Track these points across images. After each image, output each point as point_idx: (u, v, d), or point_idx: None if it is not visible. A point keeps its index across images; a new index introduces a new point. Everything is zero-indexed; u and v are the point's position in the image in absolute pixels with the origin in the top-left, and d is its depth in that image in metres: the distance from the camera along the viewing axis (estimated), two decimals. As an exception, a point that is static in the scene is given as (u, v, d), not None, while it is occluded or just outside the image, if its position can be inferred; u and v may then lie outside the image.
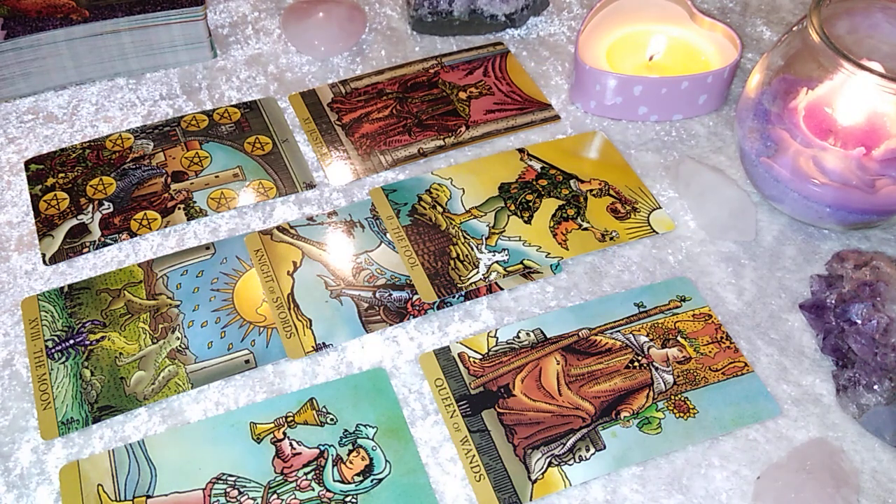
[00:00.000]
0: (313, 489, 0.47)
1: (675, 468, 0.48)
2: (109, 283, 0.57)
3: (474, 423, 0.50)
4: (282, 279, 0.57)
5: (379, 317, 0.55)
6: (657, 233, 0.60)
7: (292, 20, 0.72)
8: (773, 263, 0.58)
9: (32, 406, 0.51)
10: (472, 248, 0.58)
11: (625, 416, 0.50)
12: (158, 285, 0.56)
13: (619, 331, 0.54)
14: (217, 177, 0.63)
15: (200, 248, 0.59)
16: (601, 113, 0.67)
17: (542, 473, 0.48)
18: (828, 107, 0.55)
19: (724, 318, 0.55)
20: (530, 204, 0.61)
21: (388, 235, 0.59)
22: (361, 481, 0.48)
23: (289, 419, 0.50)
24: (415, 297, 0.56)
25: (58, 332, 0.54)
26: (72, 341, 0.53)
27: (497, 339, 0.54)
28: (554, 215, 0.60)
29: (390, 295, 0.56)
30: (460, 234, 0.59)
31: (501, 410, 0.50)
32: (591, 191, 0.62)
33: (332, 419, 0.50)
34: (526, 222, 0.60)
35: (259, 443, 0.49)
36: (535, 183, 0.62)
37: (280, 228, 0.60)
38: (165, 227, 0.60)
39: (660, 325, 0.54)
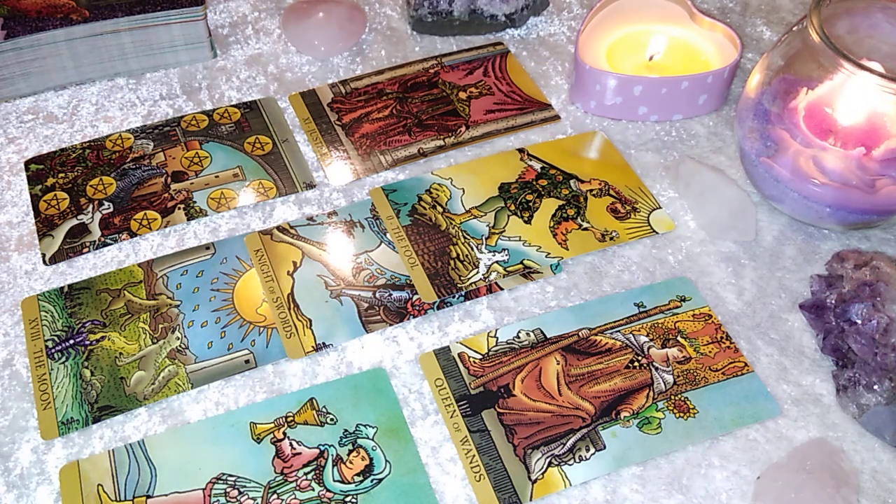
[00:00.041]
0: (313, 489, 0.47)
1: (675, 468, 0.48)
2: (109, 283, 0.57)
3: (474, 423, 0.50)
4: (282, 279, 0.57)
5: (379, 317, 0.55)
6: (657, 233, 0.60)
7: (292, 20, 0.72)
8: (773, 263, 0.58)
9: (32, 406, 0.51)
10: (472, 248, 0.58)
11: (625, 416, 0.50)
12: (158, 285, 0.56)
13: (619, 331, 0.54)
14: (217, 177, 0.63)
15: (200, 248, 0.59)
16: (601, 113, 0.67)
17: (542, 473, 0.48)
18: (828, 107, 0.55)
19: (724, 318, 0.55)
20: (530, 204, 0.61)
21: (388, 235, 0.59)
22: (361, 481, 0.48)
23: (289, 419, 0.50)
24: (415, 297, 0.56)
25: (58, 332, 0.54)
26: (72, 341, 0.53)
27: (497, 339, 0.54)
28: (554, 215, 0.60)
29: (390, 295, 0.56)
30: (460, 234, 0.59)
31: (501, 410, 0.50)
32: (591, 191, 0.62)
33: (332, 419, 0.50)
34: (526, 222, 0.60)
35: (259, 443, 0.49)
36: (535, 183, 0.62)
37: (280, 228, 0.60)
38: (165, 227, 0.60)
39: (660, 325, 0.54)
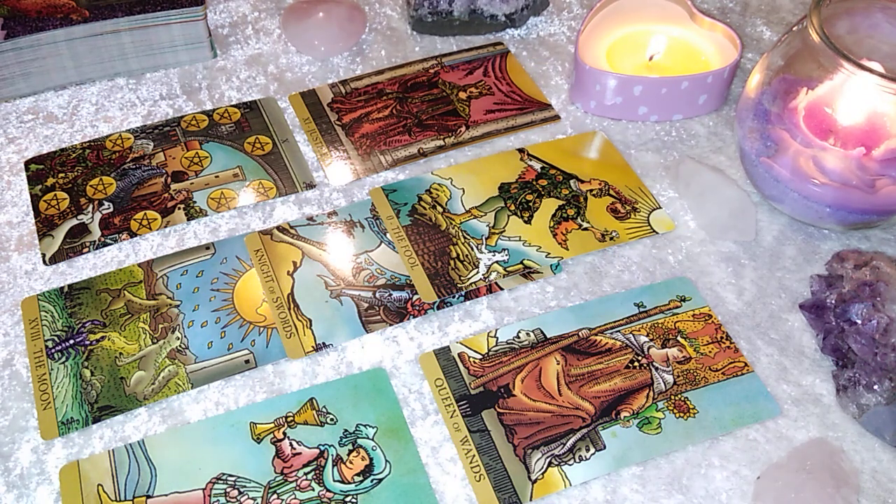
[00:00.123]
0: (313, 489, 0.47)
1: (675, 468, 0.48)
2: (109, 283, 0.57)
3: (474, 423, 0.50)
4: (282, 279, 0.57)
5: (379, 317, 0.55)
6: (657, 233, 0.60)
7: (292, 20, 0.72)
8: (773, 263, 0.58)
9: (32, 406, 0.51)
10: (472, 248, 0.58)
11: (625, 416, 0.50)
12: (158, 285, 0.56)
13: (619, 331, 0.54)
14: (217, 177, 0.63)
15: (200, 248, 0.59)
16: (601, 113, 0.67)
17: (542, 473, 0.48)
18: (828, 107, 0.55)
19: (724, 318, 0.55)
20: (530, 204, 0.61)
21: (388, 235, 0.59)
22: (361, 481, 0.48)
23: (289, 419, 0.50)
24: (415, 297, 0.56)
25: (58, 332, 0.54)
26: (72, 341, 0.53)
27: (497, 339, 0.54)
28: (554, 215, 0.60)
29: (390, 295, 0.56)
30: (460, 234, 0.59)
31: (501, 410, 0.50)
32: (591, 191, 0.62)
33: (332, 419, 0.50)
34: (526, 222, 0.60)
35: (259, 443, 0.49)
36: (535, 183, 0.62)
37: (280, 228, 0.60)
38: (165, 227, 0.60)
39: (660, 325, 0.54)
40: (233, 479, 0.48)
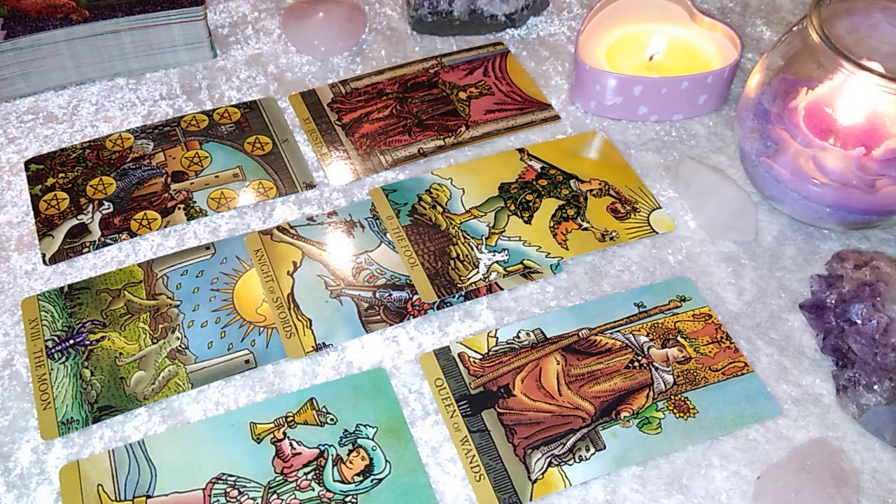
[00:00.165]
0: (313, 489, 0.47)
1: (675, 468, 0.48)
2: (109, 283, 0.57)
3: (474, 423, 0.50)
4: (282, 279, 0.57)
5: (379, 317, 0.55)
6: (657, 233, 0.60)
7: (292, 20, 0.72)
8: (773, 263, 0.58)
9: (32, 406, 0.51)
10: (472, 248, 0.58)
11: (625, 416, 0.50)
12: (158, 285, 0.56)
13: (619, 331, 0.54)
14: (217, 177, 0.63)
15: (200, 248, 0.59)
16: (601, 113, 0.67)
17: (542, 473, 0.48)
18: (828, 107, 0.55)
19: (724, 318, 0.55)
20: (530, 204, 0.61)
21: (388, 235, 0.59)
22: (361, 481, 0.48)
23: (289, 419, 0.50)
24: (415, 297, 0.56)
25: (58, 332, 0.54)
26: (72, 341, 0.53)
27: (497, 339, 0.54)
28: (554, 215, 0.60)
29: (390, 295, 0.56)
30: (460, 234, 0.59)
31: (501, 410, 0.50)
32: (591, 191, 0.62)
33: (332, 419, 0.50)
34: (526, 222, 0.60)
35: (259, 443, 0.49)
36: (535, 183, 0.62)
37: (280, 228, 0.60)
38: (165, 227, 0.60)
39: (660, 325, 0.54)
40: (233, 479, 0.48)
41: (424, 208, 0.61)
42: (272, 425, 0.50)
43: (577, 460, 0.48)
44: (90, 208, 0.61)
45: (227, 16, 0.77)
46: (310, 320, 0.54)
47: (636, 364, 0.52)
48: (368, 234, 0.59)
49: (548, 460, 0.48)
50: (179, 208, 0.61)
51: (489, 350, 0.53)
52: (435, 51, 0.73)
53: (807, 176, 0.56)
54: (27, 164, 0.64)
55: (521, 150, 0.65)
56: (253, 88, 0.70)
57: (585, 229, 0.59)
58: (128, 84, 0.70)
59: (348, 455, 0.49)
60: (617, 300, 0.56)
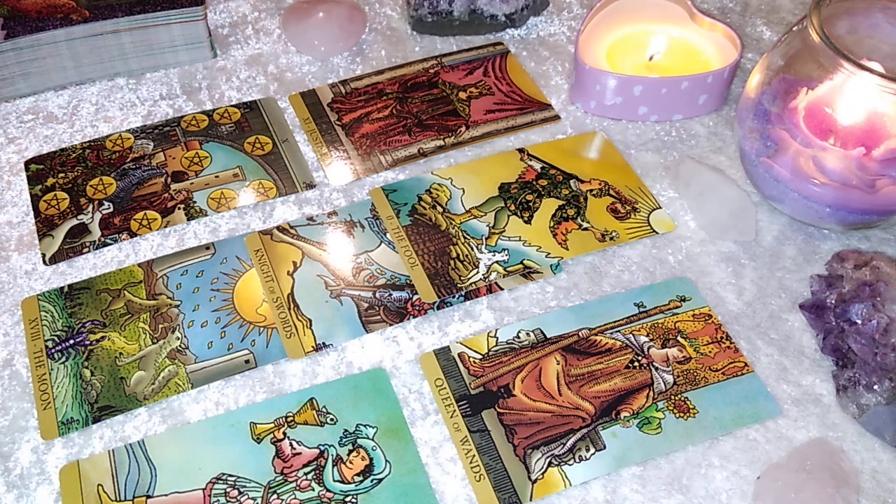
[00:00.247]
0: (313, 489, 0.47)
1: (675, 468, 0.48)
2: (109, 283, 0.57)
3: (474, 423, 0.50)
4: (282, 279, 0.57)
5: (379, 317, 0.55)
6: (657, 233, 0.60)
7: (292, 20, 0.72)
8: (773, 263, 0.58)
9: (32, 406, 0.51)
10: (472, 248, 0.58)
11: (625, 416, 0.50)
12: (158, 285, 0.56)
13: (619, 331, 0.54)
14: (217, 177, 0.63)
15: (200, 248, 0.59)
16: (601, 113, 0.67)
17: (542, 473, 0.48)
18: (828, 107, 0.55)
19: (724, 318, 0.55)
20: (530, 204, 0.61)
21: (388, 235, 0.59)
22: (361, 481, 0.48)
23: (289, 419, 0.50)
24: (415, 297, 0.56)
25: (58, 332, 0.54)
26: (72, 341, 0.53)
27: (497, 339, 0.54)
28: (554, 215, 0.60)
29: (390, 295, 0.56)
30: (460, 234, 0.59)
31: (501, 410, 0.50)
32: (591, 191, 0.62)
33: (332, 419, 0.50)
34: (526, 222, 0.60)
35: (259, 443, 0.49)
36: (535, 183, 0.62)
37: (280, 228, 0.60)
38: (165, 227, 0.60)
39: (660, 325, 0.54)
40: (233, 479, 0.48)
41: (424, 208, 0.61)
42: (272, 425, 0.50)
43: (577, 460, 0.48)
44: (90, 208, 0.61)
45: (227, 16, 0.77)
46: (310, 320, 0.54)
47: (636, 364, 0.52)
48: (368, 234, 0.59)
49: (548, 460, 0.48)
50: (179, 208, 0.61)
51: (489, 350, 0.53)
52: (435, 51, 0.73)
53: (807, 176, 0.56)
54: (27, 164, 0.64)
55: (521, 150, 0.65)
56: (253, 88, 0.70)
57: (585, 229, 0.59)
58: (128, 84, 0.70)
59: (348, 455, 0.49)
60: (617, 300, 0.56)
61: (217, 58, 0.73)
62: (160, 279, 0.57)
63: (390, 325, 0.54)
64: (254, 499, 0.47)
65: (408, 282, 0.56)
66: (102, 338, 0.54)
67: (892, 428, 0.49)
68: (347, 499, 0.47)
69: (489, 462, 0.48)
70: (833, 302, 0.53)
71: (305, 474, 0.48)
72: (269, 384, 0.52)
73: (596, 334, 0.54)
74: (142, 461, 0.48)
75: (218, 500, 0.47)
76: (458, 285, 0.56)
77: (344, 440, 0.49)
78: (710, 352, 0.53)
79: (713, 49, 0.69)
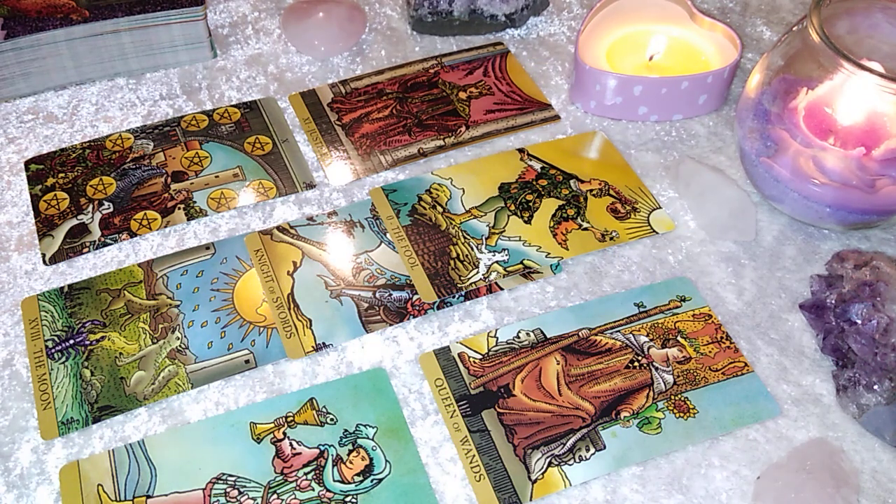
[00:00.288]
0: (313, 489, 0.47)
1: (675, 468, 0.48)
2: (109, 283, 0.57)
3: (474, 423, 0.50)
4: (282, 279, 0.57)
5: (379, 317, 0.55)
6: (657, 233, 0.60)
7: (292, 20, 0.72)
8: (773, 263, 0.58)
9: (32, 406, 0.51)
10: (472, 248, 0.58)
11: (625, 416, 0.50)
12: (158, 285, 0.56)
13: (619, 331, 0.54)
14: (217, 177, 0.63)
15: (200, 248, 0.59)
16: (601, 113, 0.67)
17: (542, 473, 0.48)
18: (828, 107, 0.55)
19: (724, 318, 0.55)
20: (530, 204, 0.61)
21: (388, 235, 0.59)
22: (361, 481, 0.48)
23: (289, 419, 0.50)
24: (415, 297, 0.56)
25: (58, 332, 0.54)
26: (72, 341, 0.53)
27: (497, 339, 0.54)
28: (554, 215, 0.60)
29: (390, 295, 0.56)
30: (460, 234, 0.59)
31: (501, 410, 0.50)
32: (591, 191, 0.62)
33: (332, 419, 0.50)
34: (526, 222, 0.60)
35: (259, 443, 0.49)
36: (535, 183, 0.62)
37: (280, 228, 0.60)
38: (165, 227, 0.60)
39: (660, 325, 0.54)
40: (233, 479, 0.48)
41: (424, 208, 0.61)
42: (272, 425, 0.50)
43: (577, 460, 0.48)
44: (90, 208, 0.61)
45: (227, 16, 0.77)
46: (310, 320, 0.54)
47: (636, 364, 0.52)
48: (368, 234, 0.59)
49: (548, 460, 0.48)
50: (179, 208, 0.61)
51: (489, 350, 0.53)
52: (435, 51, 0.73)
53: (807, 176, 0.56)
54: (27, 164, 0.64)
55: (521, 150, 0.65)
56: (253, 88, 0.70)
57: (585, 229, 0.59)
58: (128, 84, 0.70)
59: (348, 455, 0.49)
60: (617, 300, 0.56)
61: (217, 58, 0.73)
62: (160, 279, 0.57)
63: (390, 325, 0.54)
64: (254, 499, 0.47)
65: (408, 282, 0.56)
66: (102, 338, 0.54)
67: (892, 428, 0.49)
68: (347, 499, 0.47)
69: (489, 462, 0.48)
70: (833, 302, 0.53)
71: (305, 474, 0.48)
72: (269, 384, 0.52)
73: (596, 334, 0.54)
74: (142, 461, 0.48)
75: (218, 500, 0.47)
76: (458, 285, 0.56)
77: (344, 440, 0.49)
78: (710, 352, 0.53)
79: (713, 49, 0.69)
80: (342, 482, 0.48)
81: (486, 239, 0.59)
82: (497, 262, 0.57)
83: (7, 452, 0.49)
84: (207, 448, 0.49)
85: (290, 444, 0.49)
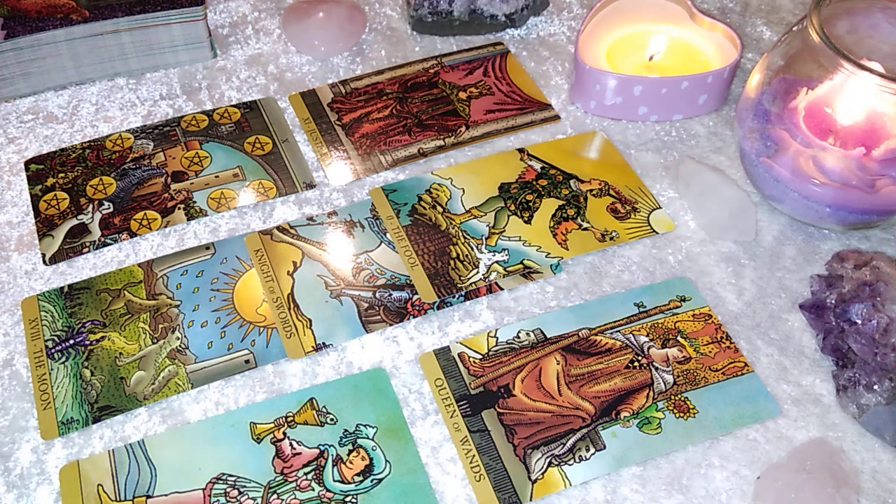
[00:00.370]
0: (313, 489, 0.47)
1: (675, 468, 0.48)
2: (109, 283, 0.57)
3: (474, 423, 0.50)
4: (282, 279, 0.57)
5: (379, 317, 0.55)
6: (657, 233, 0.60)
7: (292, 20, 0.72)
8: (773, 263, 0.58)
9: (32, 406, 0.51)
10: (472, 248, 0.58)
11: (625, 416, 0.50)
12: (158, 285, 0.56)
13: (619, 331, 0.54)
14: (217, 177, 0.63)
15: (200, 248, 0.59)
16: (601, 113, 0.67)
17: (542, 473, 0.48)
18: (828, 107, 0.55)
19: (724, 318, 0.55)
20: (530, 204, 0.61)
21: (388, 235, 0.59)
22: (361, 481, 0.48)
23: (289, 419, 0.50)
24: (415, 297, 0.56)
25: (58, 332, 0.54)
26: (72, 341, 0.53)
27: (497, 339, 0.54)
28: (554, 215, 0.60)
29: (390, 295, 0.56)
30: (460, 234, 0.59)
31: (501, 410, 0.50)
32: (591, 191, 0.62)
33: (332, 419, 0.50)
34: (526, 222, 0.60)
35: (259, 443, 0.49)
36: (535, 183, 0.62)
37: (280, 228, 0.60)
38: (165, 227, 0.60)
39: (660, 325, 0.54)
40: (233, 479, 0.48)
41: (424, 208, 0.61)
42: (272, 425, 0.50)
43: (577, 460, 0.48)
44: (90, 208, 0.61)
45: (227, 16, 0.77)
46: (310, 320, 0.54)
47: (636, 364, 0.52)
48: (368, 234, 0.59)
49: (548, 460, 0.48)
50: (179, 208, 0.61)
51: (489, 350, 0.53)
52: (435, 51, 0.73)
53: (807, 176, 0.56)
54: (27, 164, 0.64)
55: (521, 150, 0.65)
56: (253, 88, 0.70)
57: (585, 229, 0.59)
58: (128, 84, 0.70)
59: (348, 455, 0.49)
60: (617, 300, 0.56)
61: (217, 58, 0.73)
62: (160, 279, 0.57)
63: (390, 325, 0.54)
64: (254, 499, 0.47)
65: (408, 282, 0.56)
66: (102, 338, 0.54)
67: (892, 428, 0.49)
68: (347, 499, 0.47)
69: (489, 462, 0.48)
70: (833, 302, 0.53)
71: (305, 474, 0.48)
72: (269, 384, 0.52)
73: (596, 334, 0.54)
74: (142, 461, 0.48)
75: (218, 500, 0.47)
76: (458, 285, 0.56)
77: (344, 440, 0.49)
78: (710, 352, 0.53)
79: (713, 49, 0.69)
80: (342, 482, 0.48)
81: (486, 239, 0.59)
82: (497, 262, 0.57)
83: (7, 452, 0.49)
84: (207, 448, 0.49)
85: (290, 444, 0.49)
